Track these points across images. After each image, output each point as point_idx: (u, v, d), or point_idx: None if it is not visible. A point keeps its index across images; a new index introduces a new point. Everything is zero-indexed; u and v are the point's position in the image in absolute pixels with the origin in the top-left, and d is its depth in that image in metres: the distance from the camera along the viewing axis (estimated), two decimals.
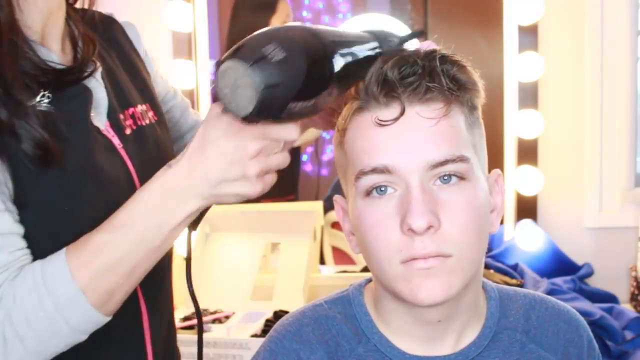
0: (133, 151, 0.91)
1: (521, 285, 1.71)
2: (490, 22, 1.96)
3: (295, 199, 2.17)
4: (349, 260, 2.07)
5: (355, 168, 0.74)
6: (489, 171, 0.80)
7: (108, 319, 0.79)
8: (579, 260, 1.91)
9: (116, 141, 0.89)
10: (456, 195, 0.72)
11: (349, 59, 0.74)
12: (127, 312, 0.85)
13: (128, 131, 0.92)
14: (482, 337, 0.80)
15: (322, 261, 2.05)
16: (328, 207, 1.97)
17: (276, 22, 2.06)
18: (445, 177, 0.72)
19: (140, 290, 0.92)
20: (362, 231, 0.75)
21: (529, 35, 1.91)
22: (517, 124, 1.93)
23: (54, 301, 0.75)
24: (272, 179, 0.79)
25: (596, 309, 1.64)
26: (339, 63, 0.72)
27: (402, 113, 0.72)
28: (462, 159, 0.72)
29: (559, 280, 1.81)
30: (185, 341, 1.52)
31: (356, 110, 0.75)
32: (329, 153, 2.21)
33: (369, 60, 0.76)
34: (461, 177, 0.73)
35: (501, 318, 0.82)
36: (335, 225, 2.07)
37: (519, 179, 1.94)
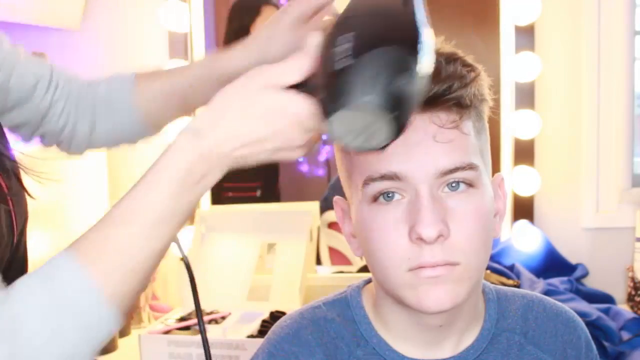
0: None
1: (517, 286, 1.71)
2: (486, 22, 1.96)
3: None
4: (346, 261, 2.06)
5: (362, 174, 0.73)
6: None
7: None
8: (575, 260, 1.91)
9: None
10: (464, 203, 0.71)
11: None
12: None
13: None
14: (481, 339, 0.80)
15: (318, 261, 2.04)
16: (324, 207, 1.96)
17: (260, 24, 2.04)
18: (454, 184, 0.71)
19: None
20: (367, 237, 0.73)
21: (526, 35, 1.90)
22: (513, 124, 1.92)
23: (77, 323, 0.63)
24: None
25: (593, 310, 1.63)
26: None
27: (414, 120, 0.70)
28: (471, 167, 0.71)
29: (555, 280, 1.81)
30: (182, 342, 1.52)
31: None
32: (323, 153, 2.20)
33: None
34: (469, 185, 0.72)
35: (499, 320, 0.82)
36: (332, 225, 2.06)
37: (515, 180, 1.93)
